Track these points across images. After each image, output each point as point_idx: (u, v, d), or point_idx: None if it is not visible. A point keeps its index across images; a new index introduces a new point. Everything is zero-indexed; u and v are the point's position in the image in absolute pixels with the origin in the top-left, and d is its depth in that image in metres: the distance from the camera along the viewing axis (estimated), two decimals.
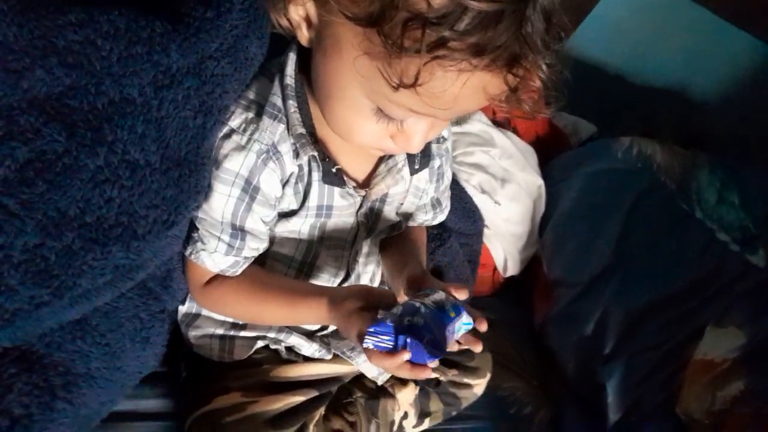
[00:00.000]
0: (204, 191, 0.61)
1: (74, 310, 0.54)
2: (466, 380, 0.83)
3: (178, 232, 0.61)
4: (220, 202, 0.62)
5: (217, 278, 0.68)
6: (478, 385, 0.85)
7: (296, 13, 0.53)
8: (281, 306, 0.66)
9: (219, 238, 0.64)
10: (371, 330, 0.53)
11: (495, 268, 1.18)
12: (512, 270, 1.19)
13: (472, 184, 1.14)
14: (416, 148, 0.58)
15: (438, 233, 0.95)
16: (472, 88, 0.48)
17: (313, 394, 0.72)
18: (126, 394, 0.71)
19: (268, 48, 0.62)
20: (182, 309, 0.74)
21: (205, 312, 0.74)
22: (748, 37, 1.29)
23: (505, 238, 1.17)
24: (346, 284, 0.75)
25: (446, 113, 0.53)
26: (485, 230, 1.13)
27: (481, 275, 1.15)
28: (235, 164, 0.61)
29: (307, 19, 0.54)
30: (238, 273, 0.68)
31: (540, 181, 1.23)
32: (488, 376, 0.85)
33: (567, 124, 1.38)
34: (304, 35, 0.55)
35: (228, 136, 0.61)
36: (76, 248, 0.49)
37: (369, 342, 0.53)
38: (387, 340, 0.53)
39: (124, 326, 0.64)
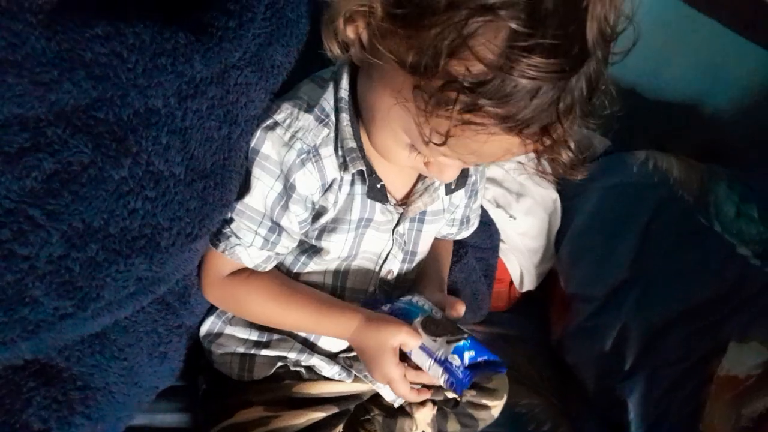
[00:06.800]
0: (229, 205, 0.61)
1: (96, 322, 0.54)
2: (483, 401, 0.82)
3: (200, 246, 0.61)
4: (263, 193, 0.62)
5: (244, 273, 0.67)
6: (496, 407, 0.83)
7: (351, 33, 0.54)
8: (308, 311, 0.68)
9: (256, 232, 0.64)
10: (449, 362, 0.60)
11: (511, 283, 1.17)
12: (528, 285, 1.18)
13: (486, 199, 1.13)
14: (447, 179, 0.61)
15: (455, 249, 0.94)
16: (498, 148, 0.50)
17: (334, 410, 0.71)
18: (142, 408, 0.70)
19: (297, 57, 0.63)
20: (205, 328, 0.74)
21: (227, 330, 0.73)
22: (761, 50, 1.29)
23: (521, 252, 1.16)
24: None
25: (473, 161, 0.58)
26: (501, 245, 1.13)
27: (497, 290, 1.13)
28: (278, 157, 0.61)
29: (360, 41, 0.54)
30: (268, 269, 0.68)
31: (555, 195, 1.22)
32: (505, 398, 0.84)
33: (581, 139, 1.37)
34: (356, 54, 0.56)
35: (272, 128, 0.61)
36: (100, 260, 0.49)
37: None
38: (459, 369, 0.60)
39: (143, 341, 0.64)
